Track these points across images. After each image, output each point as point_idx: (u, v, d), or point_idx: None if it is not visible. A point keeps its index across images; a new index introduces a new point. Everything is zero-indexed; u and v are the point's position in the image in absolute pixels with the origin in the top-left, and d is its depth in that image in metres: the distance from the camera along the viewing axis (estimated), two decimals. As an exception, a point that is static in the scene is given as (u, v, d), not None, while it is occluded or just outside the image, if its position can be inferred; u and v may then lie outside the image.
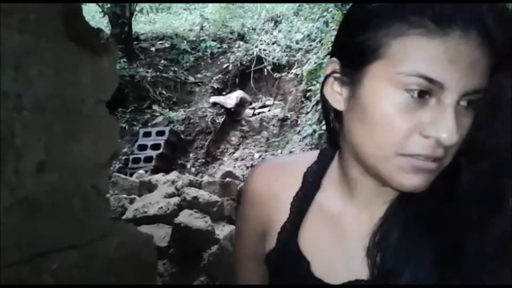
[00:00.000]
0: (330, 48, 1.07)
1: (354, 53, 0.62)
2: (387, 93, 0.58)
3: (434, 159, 0.59)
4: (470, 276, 0.60)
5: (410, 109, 0.58)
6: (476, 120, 0.61)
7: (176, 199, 3.74)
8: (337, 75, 0.65)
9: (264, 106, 7.12)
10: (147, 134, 6.52)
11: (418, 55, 0.56)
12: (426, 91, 0.57)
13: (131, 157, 6.27)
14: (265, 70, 7.29)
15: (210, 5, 8.88)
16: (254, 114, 7.01)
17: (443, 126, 0.56)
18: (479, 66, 0.57)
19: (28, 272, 1.11)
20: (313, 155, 0.80)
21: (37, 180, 1.13)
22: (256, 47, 7.50)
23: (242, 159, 6.37)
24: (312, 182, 0.78)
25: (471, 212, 0.61)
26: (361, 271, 0.66)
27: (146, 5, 8.73)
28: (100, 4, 7.48)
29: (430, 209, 0.63)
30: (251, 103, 7.21)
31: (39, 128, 1.12)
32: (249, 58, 7.45)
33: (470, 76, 0.56)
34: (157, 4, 9.35)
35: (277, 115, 6.77)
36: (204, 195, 3.74)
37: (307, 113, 6.16)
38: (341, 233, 0.72)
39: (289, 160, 0.88)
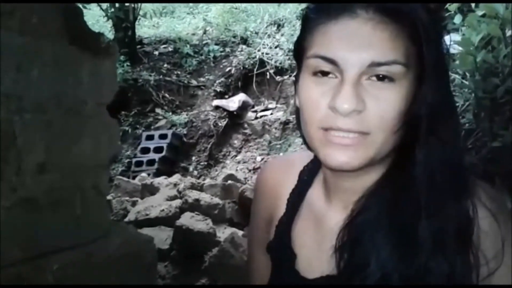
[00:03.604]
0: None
1: (296, 54, 0.73)
2: (305, 80, 0.69)
3: (352, 133, 0.65)
4: (426, 260, 0.64)
5: (320, 88, 0.67)
6: (420, 95, 0.66)
7: (177, 202, 3.75)
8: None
9: (266, 109, 7.12)
10: (150, 137, 6.52)
11: (318, 40, 0.67)
12: (328, 71, 0.66)
13: (133, 160, 6.27)
14: (268, 73, 7.29)
15: (214, 9, 8.89)
16: (256, 117, 7.00)
17: (338, 96, 0.64)
18: (373, 39, 0.63)
19: (29, 271, 1.13)
20: (312, 153, 0.84)
21: (38, 180, 1.14)
22: (258, 50, 7.50)
23: (245, 162, 6.37)
24: (306, 180, 0.84)
25: (425, 200, 0.65)
26: (335, 268, 0.71)
27: (149, 9, 8.76)
28: (104, 8, 7.52)
29: (393, 202, 0.67)
30: (253, 107, 7.21)
31: (40, 129, 1.14)
32: (251, 62, 7.44)
33: (363, 51, 0.63)
34: (160, 8, 9.38)
35: (279, 118, 6.77)
36: (205, 197, 3.74)
37: (309, 116, 6.15)
38: (321, 231, 0.77)
39: (293, 157, 0.96)
